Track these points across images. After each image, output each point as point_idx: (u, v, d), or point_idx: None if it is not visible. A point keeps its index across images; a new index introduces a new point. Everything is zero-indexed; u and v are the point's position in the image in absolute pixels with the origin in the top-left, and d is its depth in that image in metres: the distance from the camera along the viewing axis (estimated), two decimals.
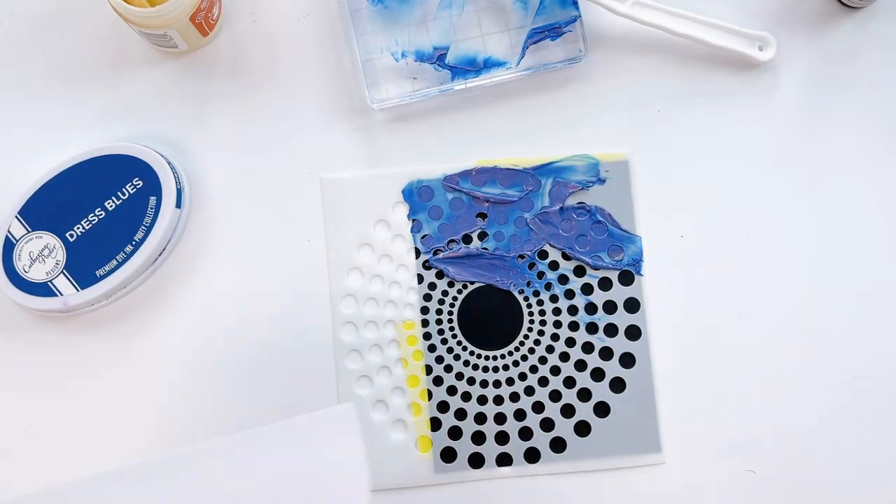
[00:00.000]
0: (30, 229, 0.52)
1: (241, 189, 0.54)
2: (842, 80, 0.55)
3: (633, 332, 0.54)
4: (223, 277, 0.54)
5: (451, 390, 0.54)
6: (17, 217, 0.53)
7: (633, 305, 0.54)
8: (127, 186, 0.53)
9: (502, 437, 0.54)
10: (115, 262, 0.52)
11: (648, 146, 0.55)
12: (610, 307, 0.54)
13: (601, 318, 0.54)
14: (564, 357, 0.54)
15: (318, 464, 0.41)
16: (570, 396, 0.54)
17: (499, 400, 0.54)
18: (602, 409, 0.54)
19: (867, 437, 0.53)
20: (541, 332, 0.54)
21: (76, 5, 0.55)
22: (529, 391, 0.54)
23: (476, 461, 0.53)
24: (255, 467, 0.41)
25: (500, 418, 0.54)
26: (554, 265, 0.54)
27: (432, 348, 0.54)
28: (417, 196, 0.55)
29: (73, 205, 0.53)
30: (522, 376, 0.54)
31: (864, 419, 0.53)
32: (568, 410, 0.54)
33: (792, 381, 0.53)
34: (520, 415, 0.54)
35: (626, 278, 0.54)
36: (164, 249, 0.53)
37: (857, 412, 0.53)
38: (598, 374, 0.54)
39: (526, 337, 0.54)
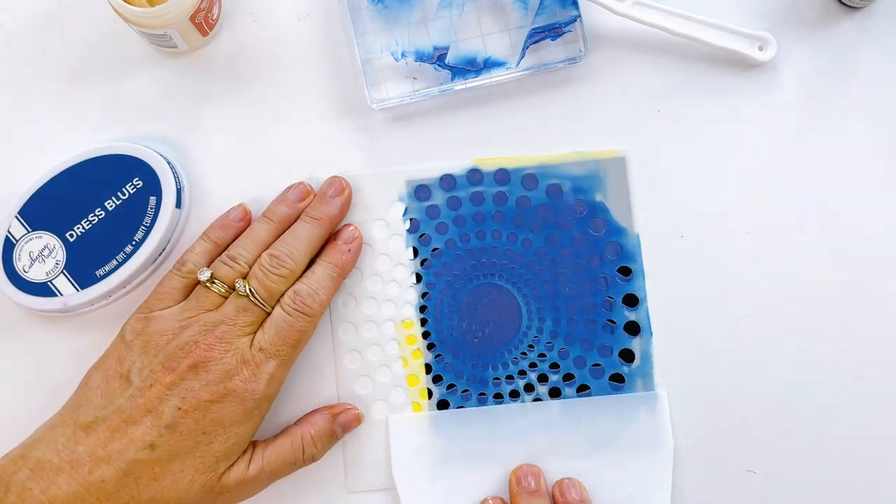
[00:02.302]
0: (30, 229, 0.53)
1: (240, 189, 0.54)
2: (842, 79, 0.55)
3: (633, 329, 0.54)
4: None
5: (451, 389, 0.54)
6: (16, 217, 0.53)
7: (631, 301, 0.54)
8: (127, 186, 0.53)
9: None
10: (115, 262, 0.52)
11: (648, 146, 0.55)
12: (609, 304, 0.54)
13: (600, 315, 0.54)
14: (564, 354, 0.54)
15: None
16: (569, 393, 0.54)
17: (499, 398, 0.54)
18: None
19: (867, 437, 0.53)
20: (540, 329, 0.54)
21: (76, 5, 0.55)
22: (529, 388, 0.54)
23: None
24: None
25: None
26: (552, 262, 0.54)
27: (431, 347, 0.54)
28: (416, 195, 0.55)
29: (73, 205, 0.53)
30: (521, 373, 0.54)
31: (864, 419, 0.53)
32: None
33: (792, 381, 0.53)
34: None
35: (625, 273, 0.54)
36: (164, 249, 0.53)
37: (857, 412, 0.53)
38: (597, 372, 0.54)
39: (525, 334, 0.54)
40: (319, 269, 0.52)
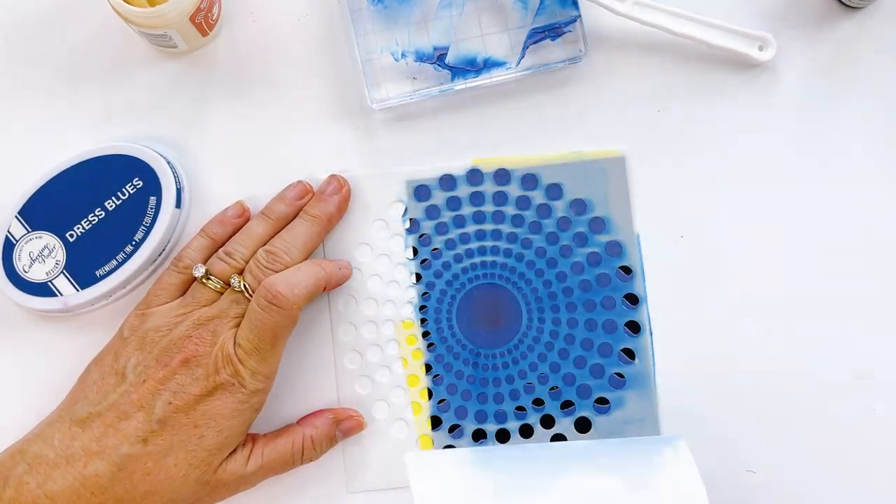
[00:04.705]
0: (30, 229, 0.53)
1: (240, 189, 0.54)
2: (842, 79, 0.55)
3: (633, 328, 0.54)
4: None
5: (452, 388, 0.54)
6: (16, 217, 0.53)
7: (632, 301, 0.54)
8: (127, 186, 0.53)
9: (503, 435, 0.54)
10: (115, 262, 0.52)
11: (648, 146, 0.55)
12: (609, 303, 0.54)
13: (600, 315, 0.54)
14: (564, 354, 0.54)
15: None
16: (569, 393, 0.54)
17: (499, 398, 0.54)
18: (602, 406, 0.54)
19: (867, 437, 0.53)
20: (540, 329, 0.54)
21: (76, 5, 0.55)
22: (529, 388, 0.54)
23: None
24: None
25: (500, 416, 0.54)
26: (552, 262, 0.54)
27: (431, 347, 0.54)
28: (416, 195, 0.55)
29: (73, 205, 0.53)
30: (522, 374, 0.54)
31: (864, 419, 0.53)
32: (568, 407, 0.54)
33: (792, 381, 0.53)
34: (520, 412, 0.54)
35: (625, 273, 0.54)
36: (164, 249, 0.53)
37: (857, 412, 0.53)
38: (597, 371, 0.54)
39: (525, 334, 0.54)
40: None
